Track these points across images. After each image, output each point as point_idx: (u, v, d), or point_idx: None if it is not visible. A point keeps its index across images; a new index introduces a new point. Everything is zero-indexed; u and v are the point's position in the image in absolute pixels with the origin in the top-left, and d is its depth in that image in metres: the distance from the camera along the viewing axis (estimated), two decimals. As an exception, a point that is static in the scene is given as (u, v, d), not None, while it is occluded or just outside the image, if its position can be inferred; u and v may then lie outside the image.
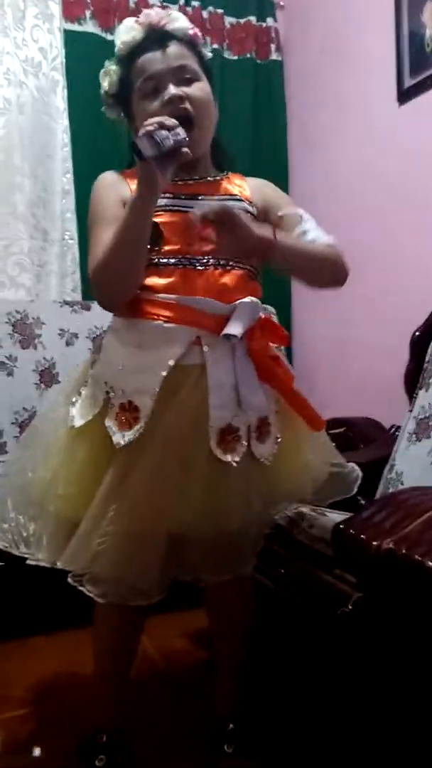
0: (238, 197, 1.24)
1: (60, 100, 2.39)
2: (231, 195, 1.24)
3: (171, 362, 1.13)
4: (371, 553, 0.94)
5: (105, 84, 1.25)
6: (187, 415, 1.13)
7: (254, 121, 2.71)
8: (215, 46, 2.66)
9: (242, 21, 2.72)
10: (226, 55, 2.70)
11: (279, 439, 1.23)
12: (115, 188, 1.21)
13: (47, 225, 2.39)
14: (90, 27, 2.48)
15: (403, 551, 0.90)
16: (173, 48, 1.19)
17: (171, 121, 1.04)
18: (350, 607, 1.13)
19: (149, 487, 1.11)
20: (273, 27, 2.77)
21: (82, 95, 2.42)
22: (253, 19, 2.73)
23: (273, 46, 2.76)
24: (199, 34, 1.27)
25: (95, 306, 2.30)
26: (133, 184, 1.15)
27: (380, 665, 1.11)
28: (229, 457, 1.13)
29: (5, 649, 1.76)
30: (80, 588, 1.13)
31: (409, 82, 2.15)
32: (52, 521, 1.18)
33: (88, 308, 2.31)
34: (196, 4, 2.63)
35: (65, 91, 2.40)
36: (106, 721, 1.29)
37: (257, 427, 1.18)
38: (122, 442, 1.11)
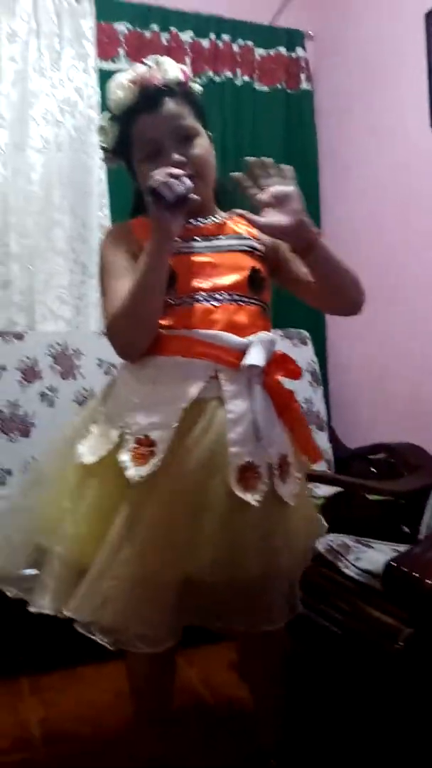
0: (244, 236, 1.25)
1: (96, 138, 2.44)
2: (237, 234, 1.25)
3: (192, 397, 1.11)
4: (423, 591, 0.94)
5: (103, 141, 1.26)
6: (203, 452, 1.10)
7: (286, 151, 2.74)
8: (246, 78, 2.71)
9: (272, 52, 2.76)
10: (257, 86, 2.74)
11: (299, 477, 1.20)
12: (124, 241, 1.22)
13: (86, 259, 2.44)
14: (124, 65, 2.53)
15: (458, 590, 0.89)
16: (169, 105, 1.19)
17: (177, 171, 1.07)
18: (401, 644, 1.12)
19: (160, 531, 1.08)
20: (303, 57, 2.80)
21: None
22: (282, 50, 2.77)
23: (303, 76, 2.79)
24: (188, 72, 1.26)
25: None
26: (141, 234, 1.18)
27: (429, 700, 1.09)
28: (249, 496, 1.09)
29: (52, 679, 1.77)
30: (91, 637, 1.09)
31: (441, 107, 2.15)
32: (58, 565, 1.14)
33: (126, 338, 2.35)
34: (226, 38, 2.68)
35: (101, 128, 2.46)
36: (150, 754, 1.28)
37: (279, 466, 1.16)
38: (137, 477, 1.08)
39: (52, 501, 1.17)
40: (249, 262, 1.21)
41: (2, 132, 2.32)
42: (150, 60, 1.22)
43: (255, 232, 1.26)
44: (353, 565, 1.40)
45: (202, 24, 2.65)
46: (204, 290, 1.17)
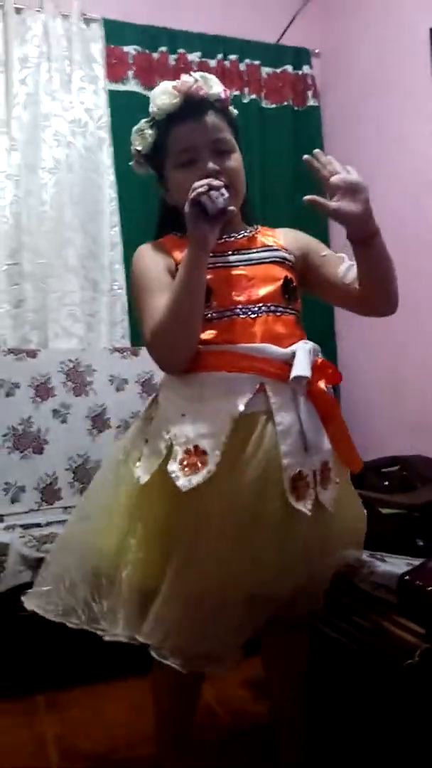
0: (274, 247, 1.27)
1: (106, 157, 2.49)
2: (267, 246, 1.27)
3: (241, 407, 1.12)
4: (439, 606, 0.93)
5: (138, 145, 1.28)
6: (258, 465, 1.11)
7: (294, 167, 2.76)
8: (253, 96, 2.74)
9: (279, 70, 2.80)
10: (264, 104, 2.77)
11: (338, 482, 1.22)
12: (157, 257, 1.24)
13: (97, 276, 2.47)
14: (132, 86, 2.58)
15: (473, 604, 0.88)
16: (210, 118, 1.23)
17: (217, 182, 1.09)
18: (417, 659, 1.11)
19: (223, 547, 1.09)
20: (309, 74, 2.83)
21: (127, 151, 2.48)
22: (289, 68, 2.81)
23: (310, 93, 2.82)
24: (228, 93, 1.30)
25: (144, 351, 2.35)
26: (175, 251, 1.21)
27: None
28: (302, 506, 1.11)
29: (69, 696, 1.77)
30: (165, 662, 1.10)
31: (448, 121, 2.17)
32: (126, 590, 1.14)
33: (136, 354, 2.37)
34: (233, 57, 2.72)
35: (111, 148, 2.50)
36: None
37: (321, 472, 1.17)
38: (188, 486, 1.07)
39: (108, 527, 1.17)
40: (281, 272, 1.23)
41: (15, 154, 2.37)
42: (197, 74, 1.26)
43: (282, 242, 1.29)
44: (367, 579, 1.39)
45: (209, 44, 2.69)
46: (241, 303, 1.18)
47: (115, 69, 2.57)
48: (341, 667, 1.48)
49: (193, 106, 1.23)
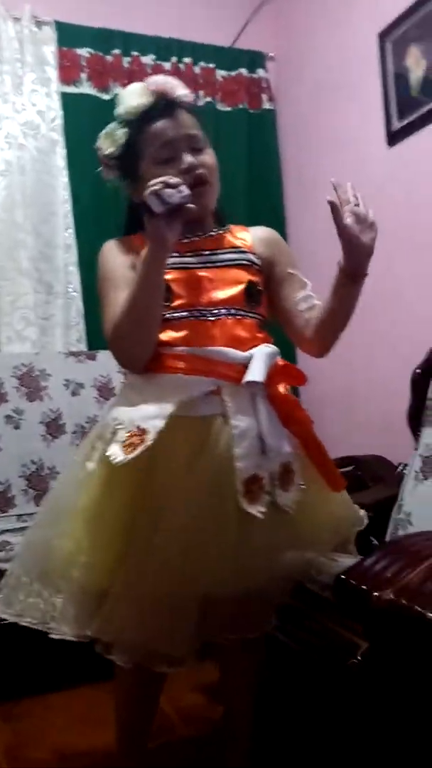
0: (241, 249, 1.27)
1: (59, 159, 2.47)
2: (235, 247, 1.27)
3: (194, 393, 1.12)
4: (372, 604, 0.94)
5: (108, 147, 1.27)
6: (212, 468, 1.12)
7: (249, 169, 2.77)
8: (208, 99, 2.74)
9: (233, 74, 2.81)
10: (219, 107, 2.77)
11: (303, 486, 1.21)
12: (123, 253, 1.24)
13: (51, 278, 2.45)
14: (86, 88, 2.57)
15: (403, 602, 0.89)
16: (184, 116, 1.24)
17: (175, 180, 1.08)
18: (359, 658, 1.11)
19: (176, 548, 1.09)
20: (264, 78, 2.85)
21: (81, 153, 2.49)
22: (244, 71, 2.82)
23: (265, 96, 2.84)
24: (193, 98, 1.35)
25: (100, 355, 2.34)
26: (139, 248, 1.20)
27: (392, 717, 1.08)
28: (254, 509, 1.11)
29: (20, 707, 1.75)
30: (108, 657, 1.11)
31: (397, 125, 2.20)
32: (76, 590, 1.15)
33: (93, 358, 2.34)
34: (187, 60, 2.72)
35: (64, 150, 2.47)
36: None
37: (280, 475, 1.17)
38: (122, 461, 1.07)
39: (65, 529, 1.17)
40: (245, 276, 1.23)
41: (-35, 156, 2.33)
42: (159, 78, 1.28)
43: (250, 243, 1.29)
44: (316, 579, 1.39)
45: (164, 47, 2.69)
46: (201, 305, 1.18)
47: (68, 71, 2.55)
48: (292, 670, 1.48)
49: (165, 104, 1.24)
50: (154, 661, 1.12)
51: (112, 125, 1.27)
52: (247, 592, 1.14)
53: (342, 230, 1.15)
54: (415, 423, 1.76)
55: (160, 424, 1.08)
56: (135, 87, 1.26)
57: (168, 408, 1.10)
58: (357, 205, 1.16)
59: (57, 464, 2.18)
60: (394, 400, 2.03)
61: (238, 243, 1.28)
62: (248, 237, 1.31)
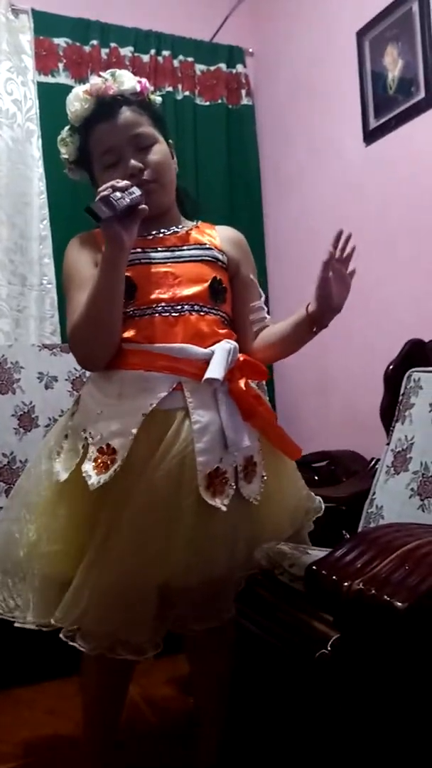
0: (207, 246, 1.28)
1: (35, 150, 2.43)
2: (200, 244, 1.27)
3: (151, 406, 1.13)
4: (342, 594, 0.94)
5: (64, 152, 1.29)
6: (173, 462, 1.13)
7: (227, 165, 2.77)
8: (186, 93, 2.73)
9: (212, 68, 2.80)
10: (198, 101, 2.76)
11: (265, 478, 1.23)
12: (87, 251, 1.24)
13: (25, 270, 2.41)
14: (63, 79, 2.54)
15: (372, 591, 0.90)
16: (126, 114, 1.23)
17: (123, 183, 1.10)
18: (329, 649, 1.12)
19: (135, 540, 1.10)
20: (243, 73, 2.84)
21: (57, 144, 2.47)
22: (223, 66, 2.81)
23: (244, 92, 2.83)
24: (147, 84, 1.29)
25: (74, 349, 2.31)
26: (102, 244, 1.21)
27: (361, 706, 1.09)
28: (217, 501, 1.13)
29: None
30: (71, 644, 1.12)
31: (374, 123, 2.21)
32: (38, 580, 1.16)
33: (67, 351, 2.31)
34: (166, 53, 2.70)
35: (40, 140, 2.44)
36: None
37: (244, 468, 1.19)
38: (95, 484, 1.10)
39: (29, 520, 1.19)
40: (210, 273, 1.24)
41: None
42: (106, 73, 1.25)
43: (217, 242, 1.29)
44: (287, 571, 1.40)
45: (142, 39, 2.67)
46: (164, 301, 1.19)
47: (44, 61, 2.52)
48: (263, 663, 1.48)
49: (105, 106, 1.23)
50: (115, 648, 1.14)
51: (65, 131, 1.29)
52: (208, 581, 1.16)
53: (322, 282, 1.16)
54: (388, 419, 1.78)
55: (127, 444, 1.11)
56: (75, 92, 1.26)
57: (136, 423, 1.12)
58: (347, 258, 1.18)
59: (29, 458, 2.14)
60: (367, 397, 2.06)
61: (204, 240, 1.28)
62: (216, 235, 1.32)
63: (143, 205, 1.11)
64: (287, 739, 1.36)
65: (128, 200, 1.08)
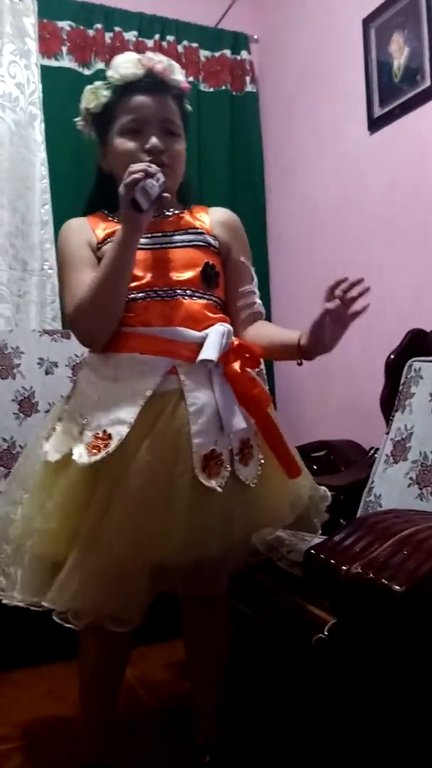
0: (199, 230, 1.29)
1: (38, 134, 2.42)
2: (193, 228, 1.28)
3: (148, 393, 1.14)
4: (340, 578, 0.95)
5: (89, 102, 1.28)
6: (167, 443, 1.14)
7: (231, 151, 2.76)
8: (191, 78, 2.70)
9: (217, 54, 2.78)
10: (202, 87, 2.75)
11: (262, 461, 1.24)
12: (81, 233, 1.26)
13: (26, 255, 2.41)
14: (66, 62, 2.53)
15: (371, 575, 0.90)
16: (166, 100, 1.25)
17: (154, 168, 1.12)
18: (326, 634, 1.12)
19: (130, 521, 1.11)
20: (247, 59, 2.82)
21: (60, 128, 2.45)
22: (227, 52, 2.79)
23: (248, 78, 2.81)
24: (189, 87, 1.33)
25: (75, 334, 2.31)
26: (97, 229, 1.25)
27: (358, 691, 1.10)
28: (213, 483, 1.14)
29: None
30: (66, 624, 1.13)
31: (378, 111, 2.20)
32: (28, 558, 1.17)
33: (68, 336, 2.31)
34: (171, 38, 2.68)
35: (42, 124, 2.43)
36: (92, 755, 1.28)
37: (240, 450, 1.20)
38: (87, 462, 1.11)
39: (26, 501, 1.20)
40: (202, 258, 1.25)
41: None
42: (163, 58, 1.27)
43: (208, 226, 1.30)
44: (285, 557, 1.40)
45: (147, 24, 2.65)
46: (158, 285, 1.20)
47: (48, 44, 2.51)
48: (261, 648, 1.49)
49: (152, 81, 1.24)
50: (104, 621, 1.15)
51: (99, 83, 1.28)
52: (202, 561, 1.17)
53: (316, 326, 1.16)
54: (388, 408, 1.78)
55: (123, 431, 1.12)
56: (128, 56, 1.26)
57: (133, 413, 1.12)
58: (351, 300, 1.16)
59: (29, 443, 2.15)
60: (367, 386, 2.06)
61: (196, 224, 1.29)
62: (207, 219, 1.32)
63: (166, 194, 1.15)
64: (284, 723, 1.37)
65: (158, 189, 1.11)
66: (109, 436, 1.12)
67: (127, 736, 1.46)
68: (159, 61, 1.26)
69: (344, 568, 0.94)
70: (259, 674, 1.51)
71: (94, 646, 1.25)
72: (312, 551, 1.01)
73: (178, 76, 1.28)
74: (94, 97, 1.27)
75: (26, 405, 2.19)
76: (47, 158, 2.43)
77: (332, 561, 0.97)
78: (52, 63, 2.51)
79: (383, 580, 0.88)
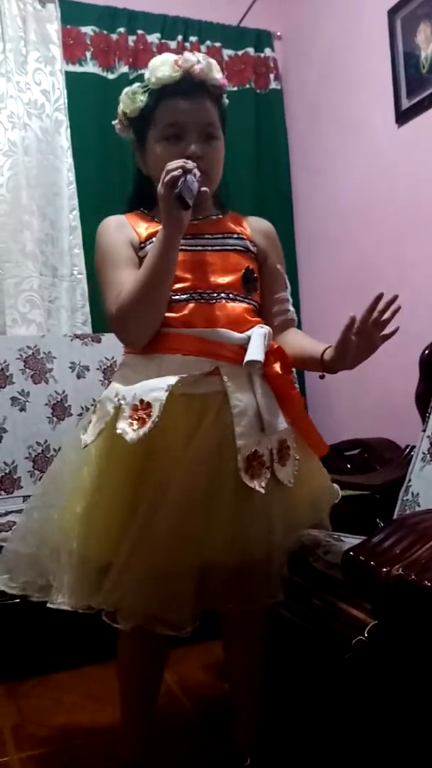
0: (240, 236, 1.29)
1: (64, 140, 2.44)
2: (234, 233, 1.28)
3: (190, 373, 1.14)
4: (381, 580, 0.93)
5: (127, 107, 1.27)
6: (212, 444, 1.13)
7: (256, 150, 2.75)
8: (215, 78, 2.70)
9: (240, 53, 2.77)
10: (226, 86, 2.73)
11: (297, 459, 1.24)
12: (122, 231, 1.25)
13: (56, 261, 2.43)
14: (90, 67, 2.55)
15: (412, 577, 0.88)
16: (203, 101, 1.23)
17: (191, 164, 1.11)
18: (366, 636, 1.11)
19: (176, 523, 1.11)
20: (271, 57, 2.81)
21: (86, 133, 2.49)
22: (251, 50, 2.78)
23: (272, 76, 2.80)
24: (226, 83, 1.30)
25: (105, 338, 2.33)
26: (138, 228, 1.24)
27: (398, 695, 1.08)
28: (255, 483, 1.13)
29: (27, 686, 1.76)
30: (114, 625, 1.13)
31: (406, 103, 2.16)
32: (75, 561, 1.17)
33: (98, 340, 2.34)
34: (194, 39, 2.68)
35: (68, 130, 2.45)
36: (132, 758, 1.28)
37: (278, 451, 1.20)
38: (135, 438, 1.10)
39: (65, 502, 1.20)
40: (243, 262, 1.25)
41: (-31, 136, 2.31)
42: (199, 55, 1.24)
43: (249, 232, 1.31)
44: (322, 558, 1.39)
45: (169, 26, 2.66)
46: (201, 288, 1.20)
47: (72, 50, 2.53)
48: (299, 650, 1.48)
49: (190, 84, 1.22)
50: (154, 624, 1.14)
51: (137, 86, 1.26)
52: (247, 561, 1.16)
53: (341, 343, 1.14)
54: (424, 405, 1.75)
55: (162, 396, 1.10)
56: (164, 58, 1.24)
57: (170, 380, 1.12)
58: (385, 322, 1.13)
59: (63, 445, 2.18)
60: (402, 382, 2.03)
61: (237, 230, 1.29)
62: (246, 225, 1.33)
63: (204, 188, 1.14)
64: (322, 728, 1.36)
65: (197, 185, 1.10)
66: (148, 405, 1.11)
67: (165, 740, 1.46)
68: (197, 62, 1.23)
69: (385, 569, 0.92)
70: (296, 677, 1.50)
71: (133, 648, 1.25)
72: (351, 553, 1.00)
73: (216, 74, 1.25)
74: (131, 101, 1.26)
75: (59, 409, 2.22)
76: (74, 164, 2.45)
77: (372, 563, 0.95)
78: (77, 69, 2.53)
79: (426, 582, 0.86)
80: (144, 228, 1.25)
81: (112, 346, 2.33)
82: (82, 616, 1.16)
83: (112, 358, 2.32)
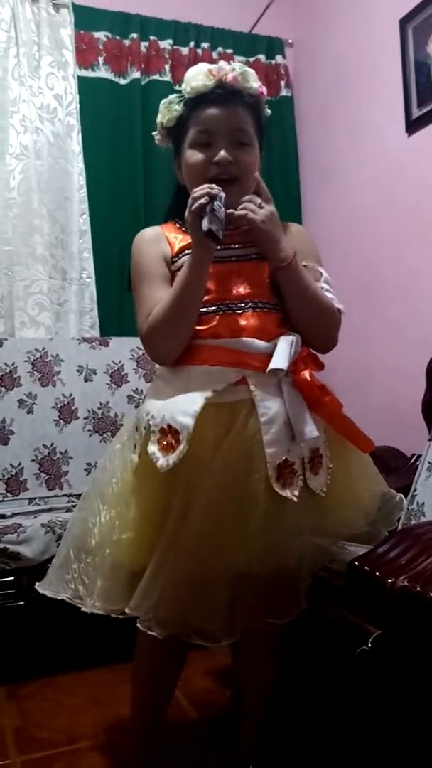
0: None
1: (75, 144, 2.46)
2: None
3: (216, 390, 1.14)
4: (386, 591, 0.93)
5: (164, 116, 1.28)
6: (241, 452, 1.13)
7: (266, 156, 2.71)
8: (226, 85, 2.71)
9: (252, 60, 2.78)
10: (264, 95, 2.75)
11: (330, 468, 1.23)
12: (156, 245, 1.27)
13: (65, 265, 2.44)
14: (103, 72, 2.56)
15: (418, 588, 0.88)
16: (237, 110, 1.23)
17: (215, 189, 1.12)
18: (369, 646, 1.11)
19: (208, 529, 1.11)
20: (282, 64, 2.82)
21: (97, 138, 2.50)
22: (262, 57, 2.79)
23: (283, 83, 2.81)
24: (265, 92, 1.30)
25: (113, 342, 2.34)
26: (171, 238, 1.26)
27: (402, 704, 1.08)
28: (288, 492, 1.13)
29: (28, 688, 1.76)
30: (150, 632, 1.13)
31: (417, 112, 2.16)
32: (108, 566, 1.18)
33: (106, 344, 2.34)
34: (205, 45, 2.70)
35: (80, 135, 2.46)
36: (139, 762, 1.29)
37: (311, 459, 1.19)
38: (165, 466, 1.11)
39: (103, 510, 1.22)
40: (269, 270, 1.24)
41: (-19, 140, 2.32)
42: (236, 64, 1.25)
43: None
44: (327, 567, 1.39)
45: (182, 32, 2.67)
46: (229, 299, 1.21)
47: (85, 55, 2.55)
48: (303, 658, 1.48)
49: (223, 92, 1.22)
50: (189, 634, 1.14)
51: (173, 96, 1.28)
52: (280, 570, 1.15)
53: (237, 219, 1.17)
54: (430, 412, 1.75)
55: (189, 423, 1.11)
56: (199, 67, 1.25)
57: (196, 402, 1.12)
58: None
59: (69, 449, 2.19)
60: (407, 391, 2.03)
61: None
62: None
63: (231, 210, 1.15)
64: (326, 735, 1.36)
65: (223, 211, 1.11)
66: (176, 431, 1.12)
67: (168, 745, 1.46)
68: (231, 70, 1.23)
69: (390, 580, 0.92)
70: (300, 685, 1.50)
71: (154, 653, 1.25)
72: (356, 563, 1.00)
73: (252, 83, 1.25)
74: (167, 111, 1.27)
75: (66, 412, 2.22)
76: (84, 168, 2.46)
77: (377, 573, 0.95)
78: (89, 74, 2.54)
79: (431, 594, 0.86)
80: (178, 241, 1.26)
81: (119, 350, 2.34)
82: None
83: (119, 362, 2.33)
